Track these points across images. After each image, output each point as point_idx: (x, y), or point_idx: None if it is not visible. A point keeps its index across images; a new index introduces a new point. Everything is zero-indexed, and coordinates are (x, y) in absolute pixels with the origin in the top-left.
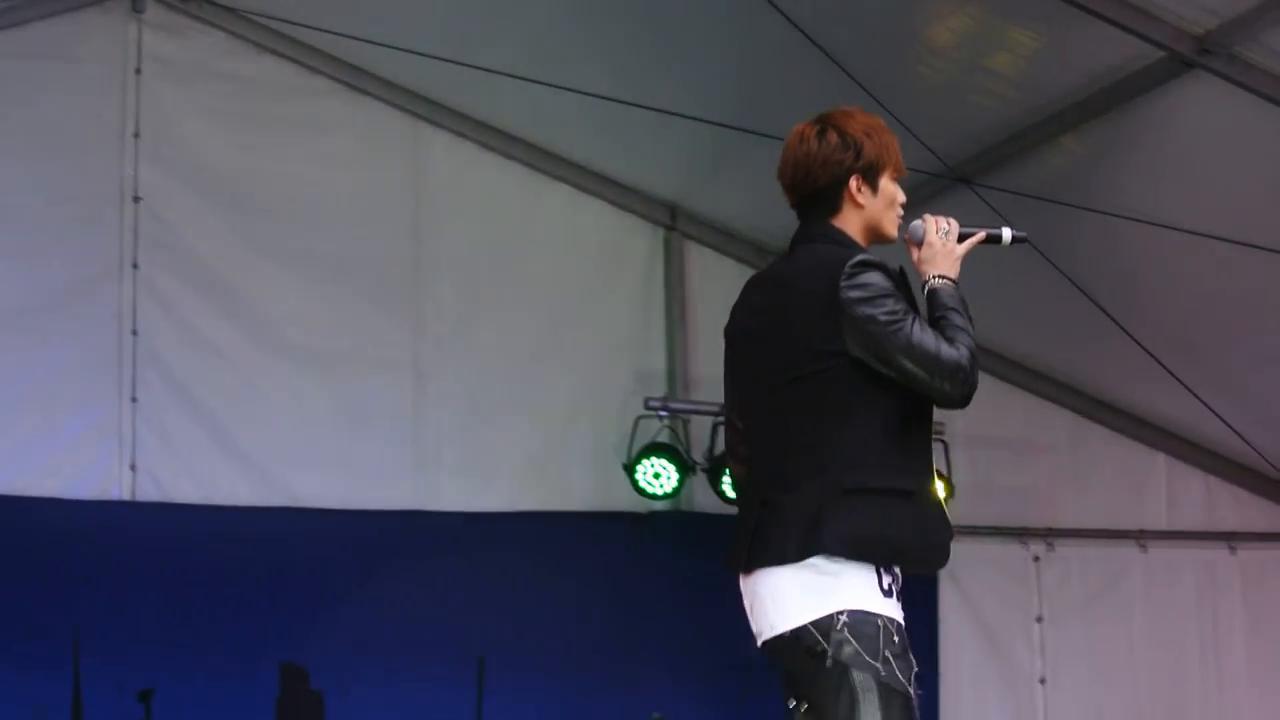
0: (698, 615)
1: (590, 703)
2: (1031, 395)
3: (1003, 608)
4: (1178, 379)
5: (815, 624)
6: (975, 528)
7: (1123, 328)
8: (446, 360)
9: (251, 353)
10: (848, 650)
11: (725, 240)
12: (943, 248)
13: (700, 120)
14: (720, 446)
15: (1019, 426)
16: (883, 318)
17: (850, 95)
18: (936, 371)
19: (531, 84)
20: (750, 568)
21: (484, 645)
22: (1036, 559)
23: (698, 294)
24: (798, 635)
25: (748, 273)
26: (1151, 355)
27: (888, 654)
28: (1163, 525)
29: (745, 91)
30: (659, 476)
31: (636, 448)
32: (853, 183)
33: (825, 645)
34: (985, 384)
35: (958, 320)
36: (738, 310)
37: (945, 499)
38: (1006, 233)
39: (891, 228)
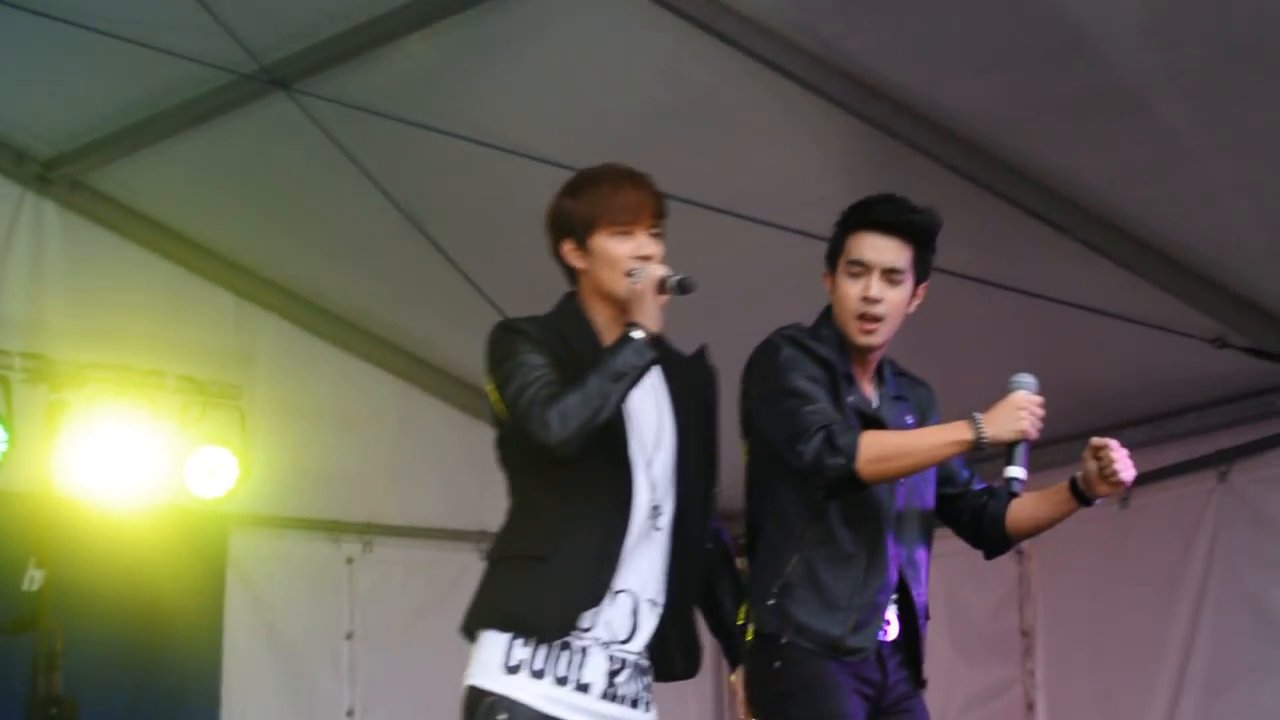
0: None
1: None
2: (353, 356)
3: (305, 621)
4: None
5: (462, 700)
6: (275, 519)
7: (470, 279)
8: None
9: None
10: None
11: None
12: (630, 290)
13: None
14: None
15: (335, 395)
16: (498, 376)
17: None
18: (520, 416)
19: None
20: None
21: None
22: (350, 561)
23: None
24: None
25: None
26: (500, 312)
27: None
28: None
29: None
30: None
31: None
32: (565, 247)
33: None
34: (294, 338)
35: (593, 378)
36: None
37: (239, 479)
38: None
39: (617, 287)
